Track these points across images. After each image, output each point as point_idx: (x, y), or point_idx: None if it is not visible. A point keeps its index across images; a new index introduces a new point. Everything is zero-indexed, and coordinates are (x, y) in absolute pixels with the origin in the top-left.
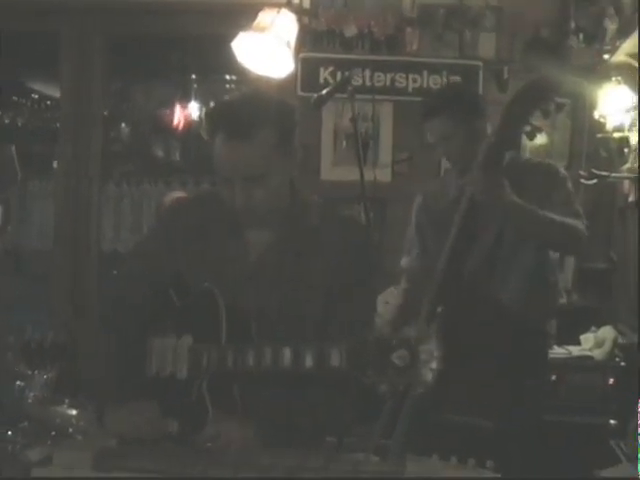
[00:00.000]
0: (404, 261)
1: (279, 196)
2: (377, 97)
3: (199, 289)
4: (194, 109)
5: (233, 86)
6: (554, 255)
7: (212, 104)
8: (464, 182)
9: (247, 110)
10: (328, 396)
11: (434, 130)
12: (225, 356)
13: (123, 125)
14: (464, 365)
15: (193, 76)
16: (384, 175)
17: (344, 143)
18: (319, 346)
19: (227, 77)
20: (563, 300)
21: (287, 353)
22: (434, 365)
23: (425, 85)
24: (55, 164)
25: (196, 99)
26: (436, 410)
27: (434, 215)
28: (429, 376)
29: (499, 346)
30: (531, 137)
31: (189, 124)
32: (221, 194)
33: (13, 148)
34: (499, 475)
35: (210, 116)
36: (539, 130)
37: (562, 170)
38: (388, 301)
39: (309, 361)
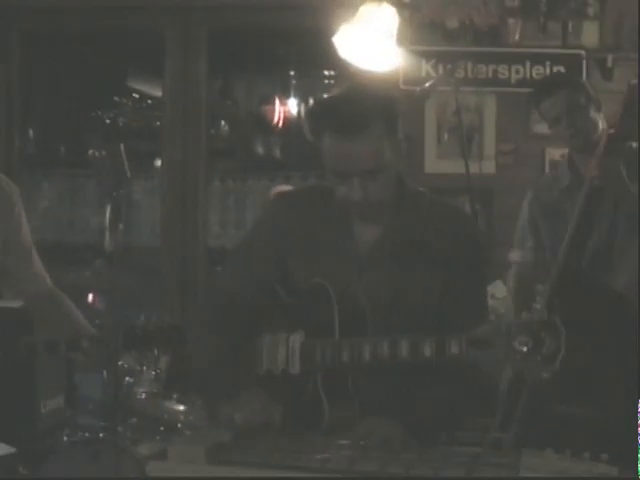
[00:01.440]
0: (516, 254)
1: (389, 189)
2: (480, 89)
3: (309, 284)
4: (293, 105)
5: (332, 82)
6: None
7: (312, 102)
8: (586, 171)
9: (354, 105)
10: (444, 390)
11: (556, 105)
12: (340, 351)
13: (223, 123)
14: (581, 355)
15: (292, 72)
16: (488, 167)
17: (446, 136)
18: (438, 336)
19: (325, 72)
20: None
21: (405, 344)
22: (560, 350)
23: (528, 76)
24: (157, 162)
25: (295, 95)
26: (553, 402)
27: (548, 207)
28: (554, 361)
29: (615, 336)
30: None
31: (289, 120)
32: (327, 188)
33: (122, 147)
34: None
35: (314, 114)
36: None
37: None
38: (495, 294)
39: (428, 352)
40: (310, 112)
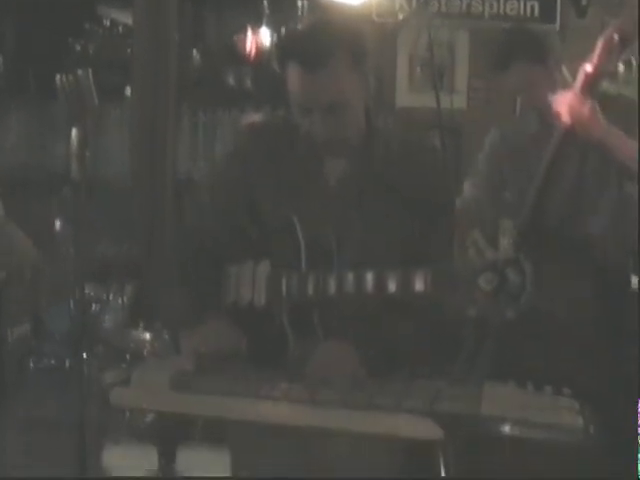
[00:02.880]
0: (467, 184)
1: (357, 124)
2: (453, 23)
3: (276, 216)
4: (266, 36)
5: (305, 12)
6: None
7: (282, 34)
8: (558, 116)
9: (319, 38)
10: (408, 325)
11: (515, 79)
12: (305, 283)
13: (194, 52)
14: (546, 301)
15: (265, 2)
16: (460, 102)
17: (418, 70)
18: (403, 271)
19: (299, 3)
20: None
21: (370, 278)
22: (525, 288)
23: (502, 11)
24: (128, 92)
25: (268, 25)
26: (517, 339)
27: (514, 149)
28: (519, 299)
29: (581, 282)
30: (627, 66)
31: (261, 51)
32: (295, 121)
33: (90, 73)
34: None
35: (281, 47)
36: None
37: None
38: None
39: (392, 286)
40: (277, 44)
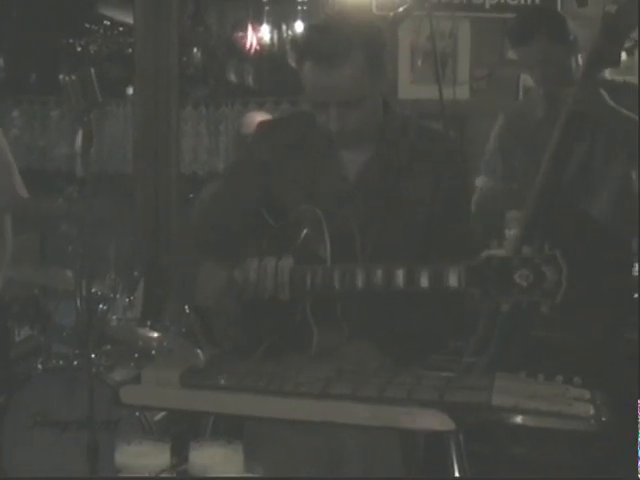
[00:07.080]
0: (481, 180)
1: (374, 117)
2: (454, 14)
3: (298, 210)
4: (266, 32)
5: (305, 8)
6: None
7: (298, 31)
8: (564, 97)
9: (336, 36)
10: (429, 313)
11: (530, 53)
12: (331, 277)
13: (195, 49)
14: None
15: None
16: (462, 93)
17: (420, 61)
18: (435, 266)
19: None
20: None
21: (401, 274)
22: (561, 284)
23: (502, 0)
24: (129, 90)
25: (268, 21)
26: (531, 327)
27: (522, 136)
28: (556, 296)
29: (586, 260)
30: (630, 53)
31: (261, 47)
32: (311, 114)
33: (92, 71)
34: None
35: (297, 43)
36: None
37: None
38: None
39: (424, 281)
40: (292, 42)
